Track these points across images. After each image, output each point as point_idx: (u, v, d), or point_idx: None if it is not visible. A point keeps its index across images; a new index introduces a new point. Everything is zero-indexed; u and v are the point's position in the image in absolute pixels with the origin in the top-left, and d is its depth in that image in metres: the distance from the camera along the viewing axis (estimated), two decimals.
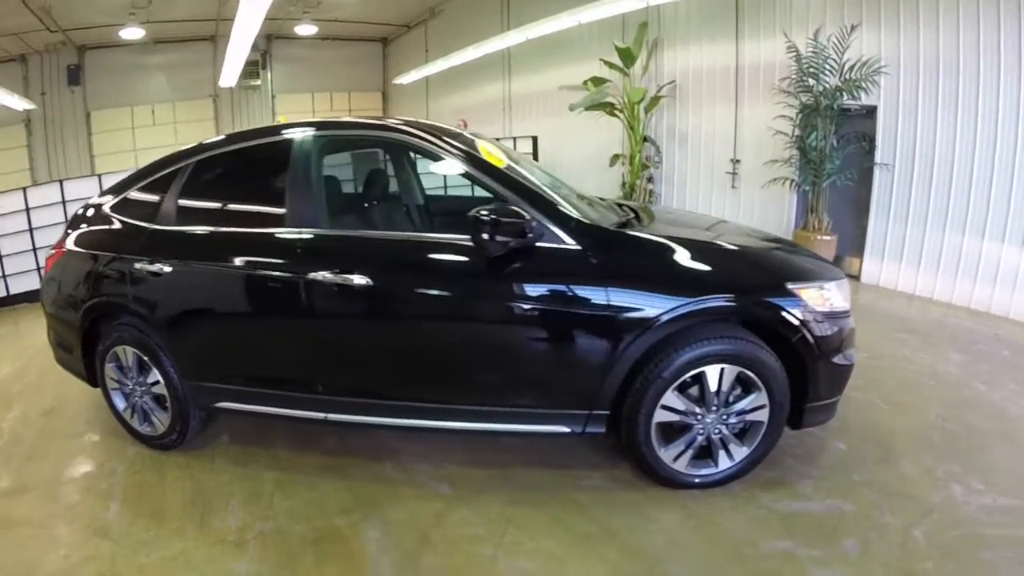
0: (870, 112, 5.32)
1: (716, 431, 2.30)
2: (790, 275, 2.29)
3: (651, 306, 2.16)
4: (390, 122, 2.65)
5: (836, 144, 5.38)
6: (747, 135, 6.51)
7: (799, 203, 6.04)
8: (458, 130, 2.84)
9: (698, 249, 2.33)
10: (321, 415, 2.53)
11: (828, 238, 5.47)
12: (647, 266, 2.29)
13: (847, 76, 5.06)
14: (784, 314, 2.20)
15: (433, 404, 2.46)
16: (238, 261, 2.53)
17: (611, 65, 7.52)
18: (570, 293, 2.22)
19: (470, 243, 2.26)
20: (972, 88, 4.73)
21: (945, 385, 3.49)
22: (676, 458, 2.34)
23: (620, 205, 3.01)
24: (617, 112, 7.51)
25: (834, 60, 5.14)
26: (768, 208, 6.32)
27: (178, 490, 2.59)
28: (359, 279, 2.33)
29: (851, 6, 5.34)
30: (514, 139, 9.93)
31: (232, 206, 2.77)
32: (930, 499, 2.40)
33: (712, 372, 2.20)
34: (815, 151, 5.39)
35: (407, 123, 2.60)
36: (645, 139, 7.59)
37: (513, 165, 2.55)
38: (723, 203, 6.90)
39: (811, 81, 5.25)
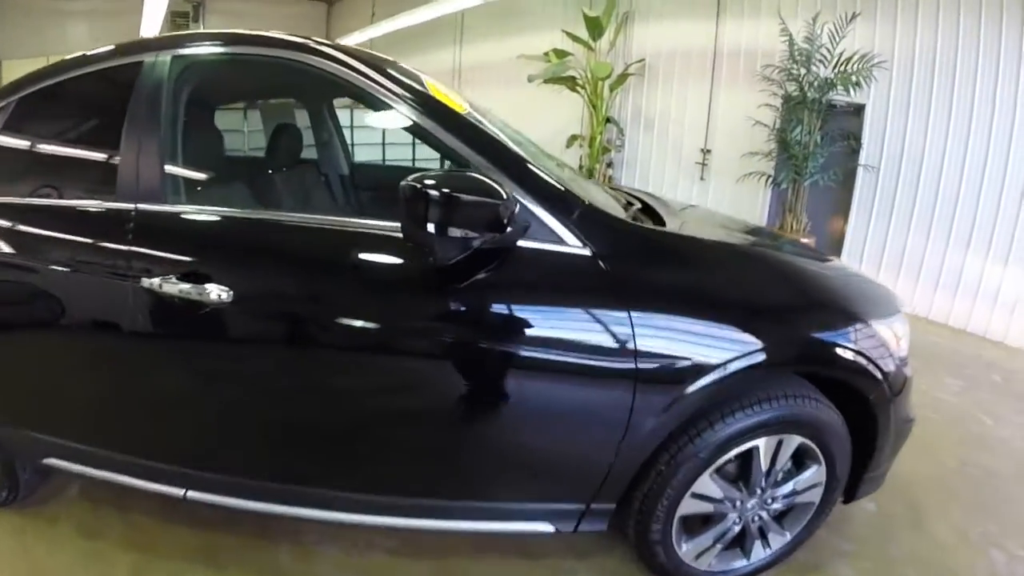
0: (857, 110, 4.96)
1: (755, 518, 1.74)
2: (872, 307, 1.70)
3: (710, 350, 1.43)
4: (292, 38, 1.64)
5: (820, 141, 4.99)
6: (721, 124, 6.06)
7: (773, 200, 5.67)
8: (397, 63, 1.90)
9: (767, 264, 1.68)
10: (179, 491, 1.70)
11: (806, 240, 5.11)
12: (705, 287, 1.52)
13: (842, 68, 4.64)
14: (865, 362, 1.60)
15: (344, 493, 1.64)
16: (46, 249, 1.66)
17: (574, 38, 6.89)
18: (571, 327, 1.43)
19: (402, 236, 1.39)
20: (967, 94, 4.41)
21: (950, 419, 3.18)
22: (700, 555, 1.74)
23: (614, 189, 2.33)
24: (579, 88, 6.93)
25: (827, 49, 4.71)
26: (740, 204, 5.91)
27: (6, 571, 1.85)
28: (217, 292, 1.46)
29: None
30: None
31: (50, 164, 1.84)
32: (973, 573, 2.03)
33: (767, 446, 1.60)
34: (799, 146, 4.98)
35: (320, 42, 1.64)
36: (608, 120, 7.05)
37: (478, 116, 1.68)
38: (690, 195, 6.46)
39: (801, 70, 4.81)
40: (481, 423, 1.58)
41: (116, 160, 1.63)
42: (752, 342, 1.46)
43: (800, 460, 1.72)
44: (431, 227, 1.27)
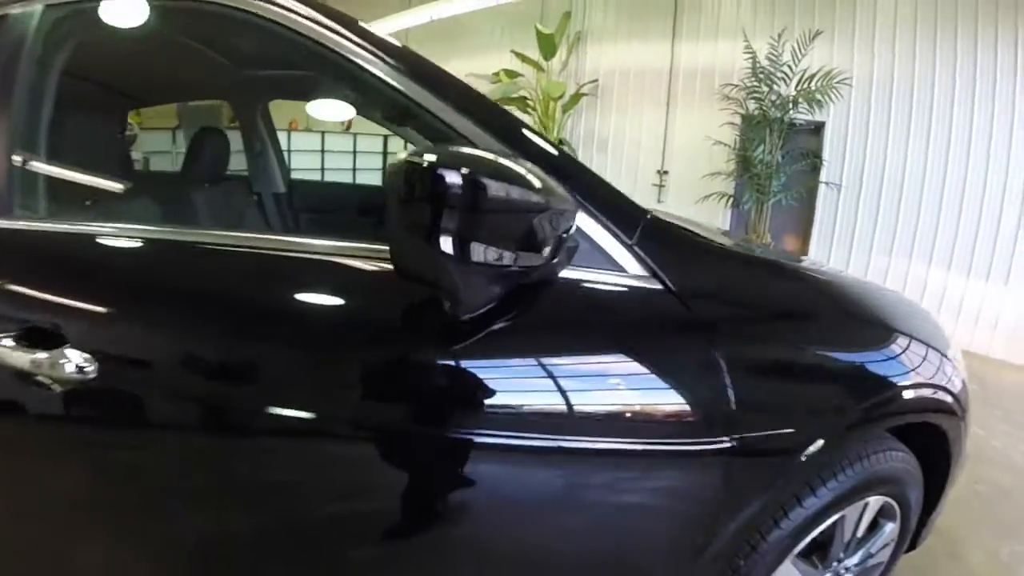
0: (817, 128, 4.99)
1: None
2: (942, 337, 1.48)
3: (819, 410, 1.11)
4: None
5: (781, 160, 4.99)
6: (678, 144, 6.00)
7: (735, 221, 5.63)
8: None
9: (858, 295, 1.36)
10: None
11: None
12: (813, 330, 1.16)
13: (804, 86, 4.65)
14: (952, 400, 1.37)
15: None
16: None
17: (524, 58, 6.75)
18: (638, 397, 0.96)
19: (382, 262, 0.93)
20: (925, 114, 4.51)
21: None
22: None
23: None
24: (530, 109, 6.77)
25: (789, 67, 4.72)
26: None
27: None
28: (76, 361, 0.92)
29: (804, 15, 4.96)
30: None
31: None
32: None
33: (852, 513, 1.31)
34: (762, 165, 4.96)
35: None
36: (560, 142, 6.92)
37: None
38: None
39: (764, 88, 4.80)
40: (502, 535, 1.02)
41: None
42: (866, 393, 1.18)
43: (874, 520, 1.49)
44: (446, 244, 0.74)
